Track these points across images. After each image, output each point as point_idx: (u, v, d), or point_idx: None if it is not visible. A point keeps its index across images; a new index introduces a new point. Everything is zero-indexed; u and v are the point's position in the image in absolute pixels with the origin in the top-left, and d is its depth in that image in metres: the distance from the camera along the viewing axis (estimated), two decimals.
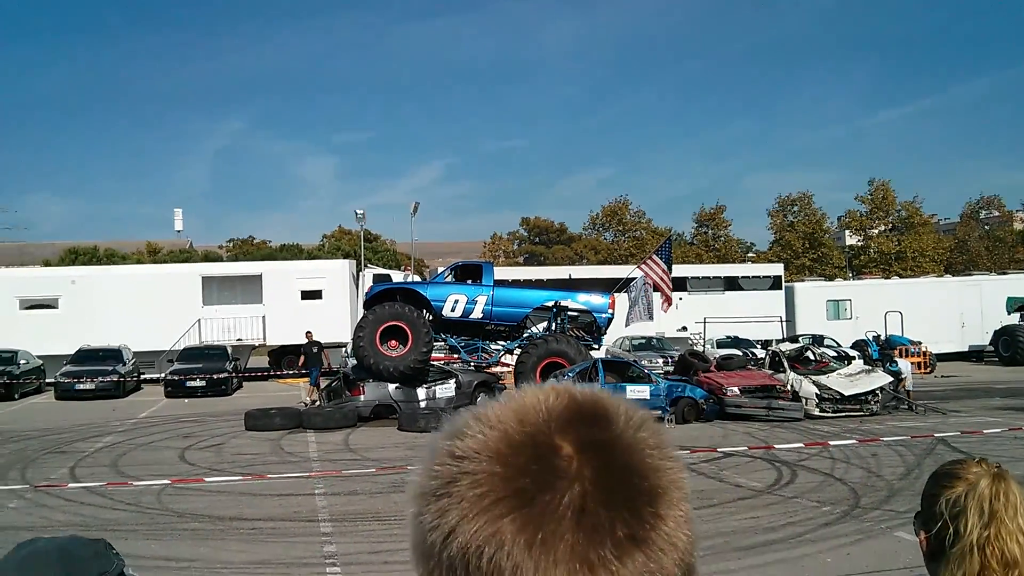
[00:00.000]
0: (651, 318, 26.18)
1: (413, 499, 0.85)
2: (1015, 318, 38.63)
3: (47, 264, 58.07)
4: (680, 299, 36.27)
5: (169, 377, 31.15)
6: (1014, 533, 1.99)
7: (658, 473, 0.81)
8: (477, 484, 0.78)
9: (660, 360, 33.04)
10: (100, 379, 30.37)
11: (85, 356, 31.84)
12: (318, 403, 24.18)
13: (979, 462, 2.18)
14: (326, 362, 28.11)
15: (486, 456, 0.79)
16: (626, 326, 28.04)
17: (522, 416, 0.82)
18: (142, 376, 34.28)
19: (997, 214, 78.84)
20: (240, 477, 14.98)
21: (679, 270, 36.84)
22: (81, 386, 30.06)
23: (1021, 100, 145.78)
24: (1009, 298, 39.08)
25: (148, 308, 35.18)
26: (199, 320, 36.45)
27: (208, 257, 75.39)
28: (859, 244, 73.63)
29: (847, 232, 76.66)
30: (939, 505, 2.09)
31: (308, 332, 28.61)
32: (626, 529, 0.77)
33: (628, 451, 0.81)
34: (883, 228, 70.93)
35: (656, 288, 25.24)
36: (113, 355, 32.23)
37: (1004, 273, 50.55)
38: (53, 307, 36.04)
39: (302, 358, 28.25)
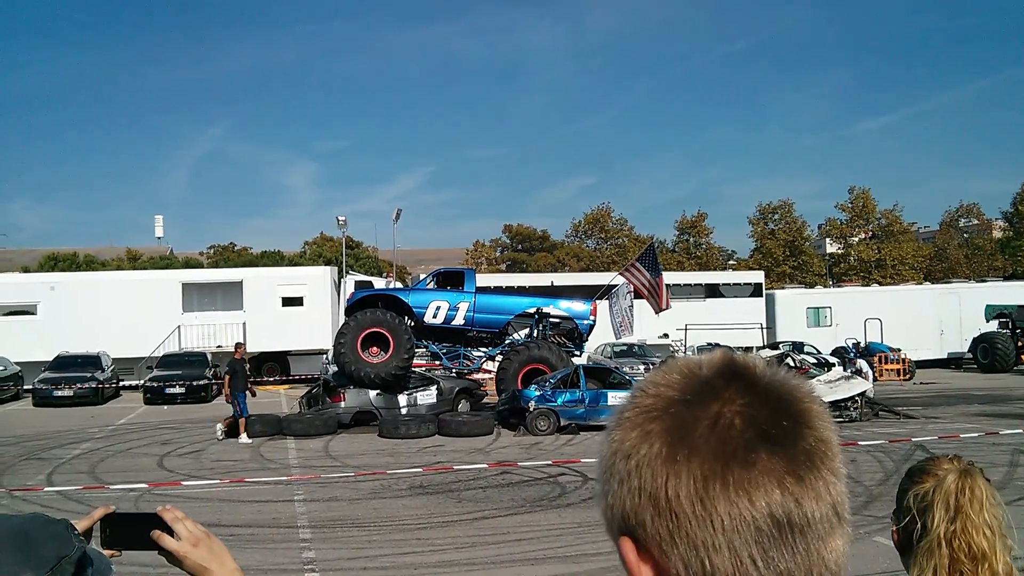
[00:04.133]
0: (631, 330, 26.22)
1: (601, 439, 1.01)
2: (993, 326, 38.90)
3: (26, 270, 57.61)
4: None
5: (148, 384, 30.93)
6: (980, 527, 2.01)
7: (797, 400, 0.94)
8: (640, 407, 0.96)
9: (641, 367, 33.07)
10: (78, 386, 30.16)
11: (64, 363, 31.62)
12: (243, 438, 20.26)
13: (951, 459, 2.20)
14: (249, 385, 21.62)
15: (651, 390, 0.96)
16: (617, 338, 28.13)
17: (684, 365, 0.99)
18: (121, 383, 34.02)
19: (976, 222, 79.41)
20: (219, 483, 14.90)
21: None
22: (59, 393, 29.83)
23: (1000, 108, 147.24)
24: (988, 306, 39.36)
25: (128, 315, 34.99)
26: (179, 327, 36.24)
27: (189, 264, 75.01)
28: (839, 252, 73.96)
29: (827, 240, 76.99)
30: (907, 500, 2.12)
31: (240, 344, 23.07)
32: (763, 431, 0.90)
33: (771, 383, 0.95)
34: (863, 236, 71.29)
35: (639, 295, 25.26)
36: (92, 362, 32.05)
37: (983, 281, 50.95)
38: (32, 313, 35.77)
39: (227, 377, 21.22)
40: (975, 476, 2.09)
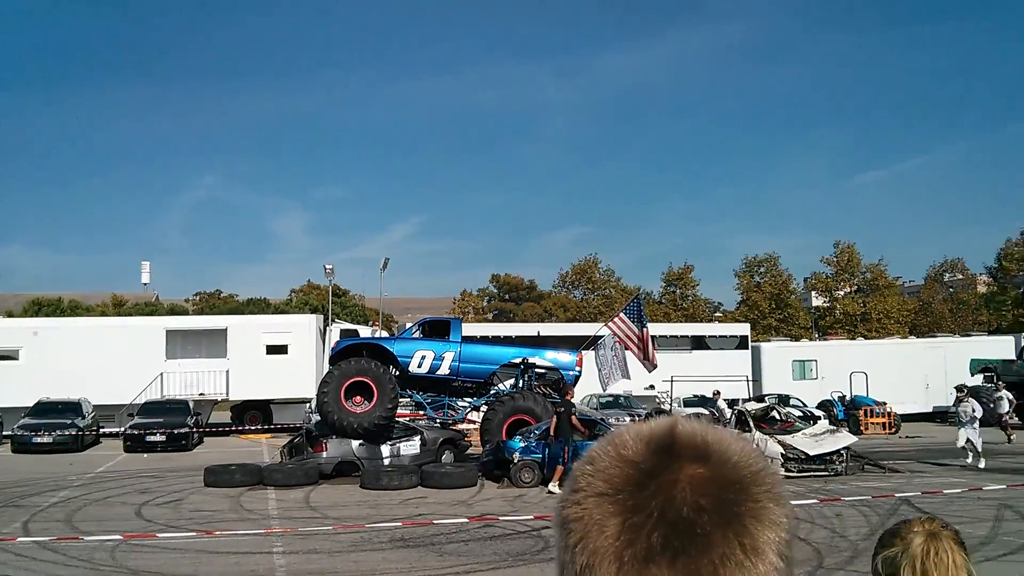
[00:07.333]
0: (627, 376, 26.06)
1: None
2: (978, 380, 38.98)
3: (10, 315, 57.23)
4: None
5: (128, 431, 30.64)
6: None
7: (750, 488, 0.93)
8: (586, 487, 0.95)
9: (627, 418, 32.91)
10: (58, 432, 29.85)
11: (44, 409, 31.30)
12: (552, 486, 19.08)
13: (923, 521, 2.17)
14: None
15: (595, 469, 0.96)
16: (604, 389, 27.91)
17: (624, 441, 0.98)
18: (101, 430, 33.71)
19: (960, 277, 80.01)
20: (196, 534, 14.69)
21: None
22: (38, 439, 29.52)
23: (984, 166, 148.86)
24: (972, 360, 39.50)
25: (110, 361, 34.77)
26: (162, 374, 36.00)
27: (174, 310, 74.71)
28: (825, 305, 74.35)
29: (813, 293, 77.41)
30: (876, 564, 2.09)
31: (569, 386, 22.38)
32: (710, 527, 0.89)
33: (721, 466, 0.94)
34: (848, 290, 71.72)
35: (625, 347, 25.23)
36: (72, 408, 31.72)
37: (967, 335, 51.16)
38: (14, 358, 35.54)
39: (555, 419, 19.94)
40: (941, 540, 2.06)
